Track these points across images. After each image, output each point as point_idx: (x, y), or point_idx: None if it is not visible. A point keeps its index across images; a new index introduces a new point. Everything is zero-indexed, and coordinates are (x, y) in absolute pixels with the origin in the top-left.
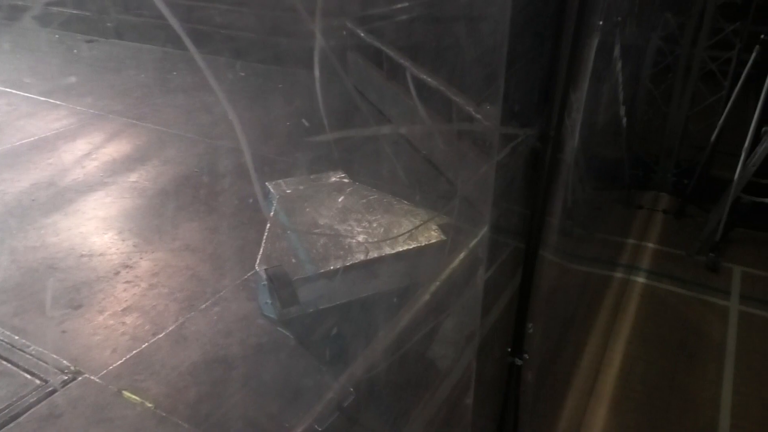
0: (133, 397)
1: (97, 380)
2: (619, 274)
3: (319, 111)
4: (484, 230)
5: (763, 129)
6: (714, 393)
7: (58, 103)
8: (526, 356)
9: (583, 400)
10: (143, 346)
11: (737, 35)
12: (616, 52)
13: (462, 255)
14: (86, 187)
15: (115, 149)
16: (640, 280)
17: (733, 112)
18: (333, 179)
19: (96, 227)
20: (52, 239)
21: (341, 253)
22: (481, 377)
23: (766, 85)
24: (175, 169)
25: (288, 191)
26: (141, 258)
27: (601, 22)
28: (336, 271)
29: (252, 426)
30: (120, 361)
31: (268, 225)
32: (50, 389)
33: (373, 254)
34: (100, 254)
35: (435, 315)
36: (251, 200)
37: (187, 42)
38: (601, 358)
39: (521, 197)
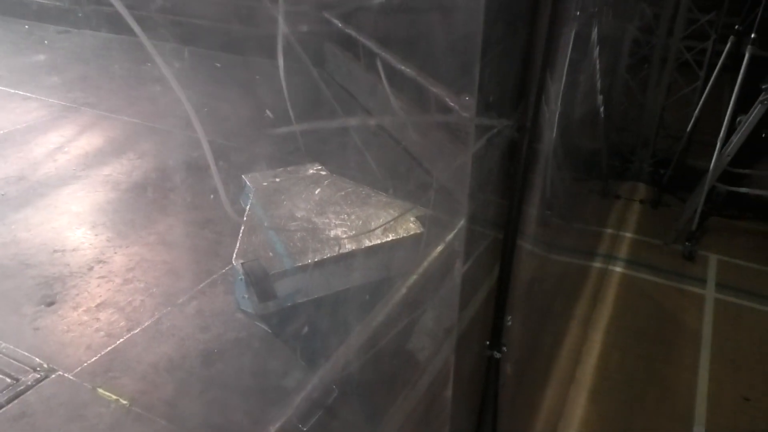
0: (108, 394)
1: (71, 378)
2: (597, 264)
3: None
4: (461, 222)
5: (738, 119)
6: (690, 380)
7: (29, 95)
8: (505, 349)
9: (563, 390)
10: (118, 342)
11: (712, 26)
12: (593, 42)
13: (439, 247)
14: (58, 181)
15: (88, 142)
16: (618, 269)
17: (709, 102)
18: (310, 171)
19: (69, 222)
20: (23, 234)
21: (319, 246)
22: (459, 371)
23: (740, 75)
24: (150, 162)
25: (264, 184)
26: (115, 253)
27: (578, 12)
28: (313, 264)
29: (230, 423)
30: (94, 358)
31: (245, 218)
32: (21, 388)
33: (351, 247)
34: (74, 249)
35: (412, 309)
36: (212, 196)
37: (136, 29)
38: (580, 348)
39: (498, 188)
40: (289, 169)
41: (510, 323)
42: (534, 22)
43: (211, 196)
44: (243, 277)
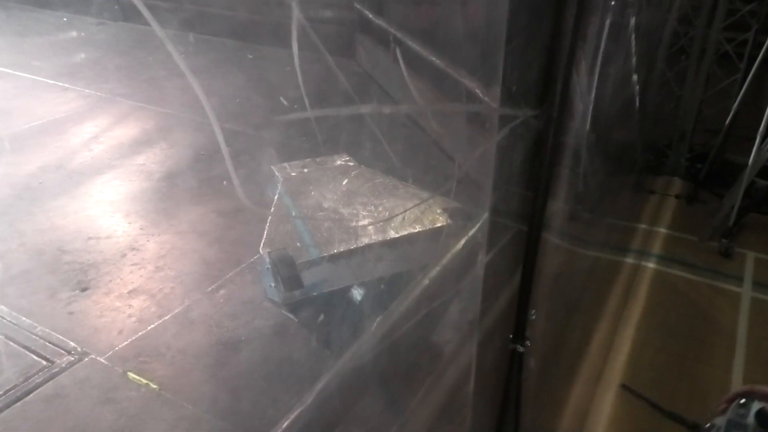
0: (139, 378)
1: (103, 361)
2: (629, 260)
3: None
4: (485, 214)
5: None
6: (723, 380)
7: (66, 86)
8: (528, 343)
9: (591, 387)
10: (149, 328)
11: (753, 16)
12: (629, 33)
13: (463, 239)
14: (93, 170)
15: (123, 132)
16: (651, 265)
17: (748, 95)
18: (338, 162)
19: (103, 210)
20: (59, 222)
21: (345, 236)
22: (482, 364)
23: None
24: (183, 152)
25: (293, 174)
26: (148, 241)
27: (612, 2)
28: (340, 254)
29: (256, 408)
30: (126, 343)
31: (272, 208)
32: (56, 370)
33: (377, 238)
34: (107, 237)
35: (435, 300)
36: (225, 182)
37: (148, 15)
38: (610, 344)
39: (523, 180)
40: (317, 159)
41: (534, 317)
42: (561, 10)
43: (224, 183)
44: (270, 266)
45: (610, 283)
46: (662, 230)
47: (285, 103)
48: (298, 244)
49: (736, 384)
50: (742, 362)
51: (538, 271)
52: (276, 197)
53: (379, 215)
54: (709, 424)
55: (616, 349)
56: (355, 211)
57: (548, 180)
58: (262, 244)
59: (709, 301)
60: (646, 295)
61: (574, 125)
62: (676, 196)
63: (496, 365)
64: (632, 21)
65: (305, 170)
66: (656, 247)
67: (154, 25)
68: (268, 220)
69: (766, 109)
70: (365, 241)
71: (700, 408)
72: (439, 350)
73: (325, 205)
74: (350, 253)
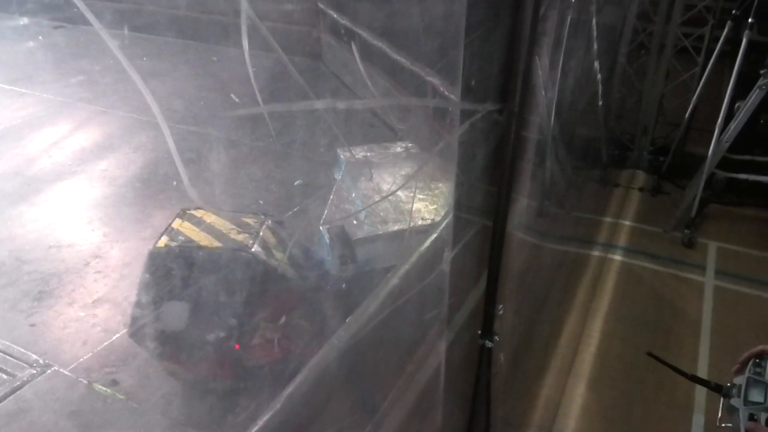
0: (104, 389)
1: (67, 373)
2: (596, 252)
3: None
4: (449, 210)
5: (737, 105)
6: (690, 368)
7: (24, 91)
8: (497, 338)
9: (561, 379)
10: (115, 337)
11: (710, 11)
12: (590, 28)
13: (431, 237)
14: (54, 177)
15: (84, 137)
16: (617, 257)
17: (707, 89)
18: (400, 148)
19: (64, 217)
20: (18, 231)
21: (401, 216)
22: (451, 360)
23: (738, 61)
24: (146, 156)
25: (356, 157)
26: (112, 248)
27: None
28: (394, 233)
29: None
30: (90, 354)
31: (334, 188)
32: (18, 384)
33: (429, 220)
34: (69, 245)
35: (403, 298)
36: (175, 183)
37: (91, 18)
38: (578, 337)
39: (486, 175)
40: (381, 144)
41: (502, 312)
42: (520, 3)
43: (174, 183)
44: (327, 241)
45: (577, 276)
46: (627, 223)
47: (236, 99)
48: (355, 222)
49: (703, 371)
50: (707, 349)
51: (504, 266)
52: (338, 178)
53: (434, 200)
54: (728, 384)
55: (586, 341)
56: (411, 194)
57: (511, 174)
58: (322, 221)
59: (675, 291)
60: (613, 286)
61: (536, 120)
62: (640, 189)
63: (465, 361)
64: (593, 16)
65: (368, 154)
66: (622, 239)
67: (99, 28)
68: (329, 200)
69: (723, 101)
70: (419, 222)
71: (669, 397)
72: (408, 348)
73: (384, 187)
74: (404, 233)
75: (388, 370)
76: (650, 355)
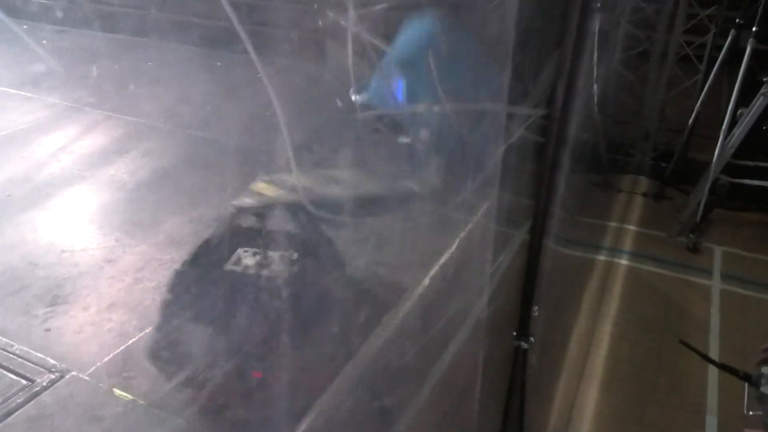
0: (125, 394)
1: (86, 378)
2: (603, 257)
3: None
4: (490, 213)
5: (740, 111)
6: (700, 370)
7: (30, 95)
8: (532, 339)
9: (575, 382)
10: (131, 341)
11: (712, 20)
12: (596, 36)
13: (470, 236)
14: (63, 182)
15: (92, 142)
16: (624, 262)
17: (709, 96)
18: None
19: (76, 222)
20: (30, 236)
21: None
22: (486, 361)
23: (741, 69)
24: (155, 161)
25: None
26: (124, 252)
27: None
28: None
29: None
30: (108, 358)
31: None
32: (38, 389)
33: None
34: (82, 249)
35: (441, 297)
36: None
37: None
38: (589, 340)
39: (528, 180)
40: None
41: (537, 314)
42: (565, 13)
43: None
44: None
45: (587, 281)
46: (632, 227)
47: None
48: None
49: (713, 374)
50: (716, 351)
51: (540, 268)
52: None
53: None
54: (756, 374)
55: (596, 344)
56: None
57: (551, 180)
58: None
59: (682, 295)
60: (621, 291)
61: (574, 127)
62: (644, 194)
63: (500, 362)
64: (608, 25)
65: None
66: (628, 244)
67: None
68: None
69: (726, 108)
70: None
71: (680, 398)
72: (444, 348)
73: None
74: None
75: (424, 368)
76: (683, 342)
